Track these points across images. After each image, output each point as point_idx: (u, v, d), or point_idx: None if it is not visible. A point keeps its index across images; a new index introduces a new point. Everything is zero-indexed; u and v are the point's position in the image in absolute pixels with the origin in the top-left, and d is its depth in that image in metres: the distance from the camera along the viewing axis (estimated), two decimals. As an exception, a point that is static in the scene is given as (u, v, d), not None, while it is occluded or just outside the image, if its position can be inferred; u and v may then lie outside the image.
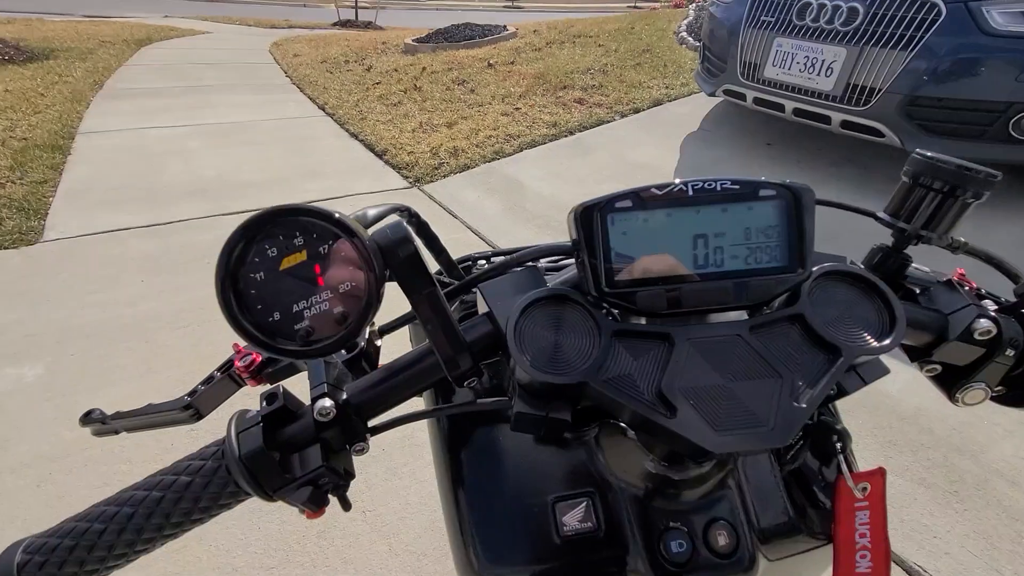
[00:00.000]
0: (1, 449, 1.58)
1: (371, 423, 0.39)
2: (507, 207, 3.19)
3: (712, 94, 3.49)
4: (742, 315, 0.37)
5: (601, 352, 0.33)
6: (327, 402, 0.36)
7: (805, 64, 2.79)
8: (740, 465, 0.46)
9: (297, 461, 0.38)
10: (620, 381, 0.33)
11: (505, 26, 7.73)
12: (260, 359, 0.48)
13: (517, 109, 4.60)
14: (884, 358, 0.36)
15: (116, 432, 0.50)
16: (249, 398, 0.43)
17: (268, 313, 0.32)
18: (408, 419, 0.42)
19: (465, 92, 5.20)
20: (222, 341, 2.18)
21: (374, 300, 0.33)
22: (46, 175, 3.36)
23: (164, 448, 1.58)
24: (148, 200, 3.17)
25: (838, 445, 0.42)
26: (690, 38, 5.83)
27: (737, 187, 0.34)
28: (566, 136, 4.11)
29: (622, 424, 0.40)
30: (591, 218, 0.35)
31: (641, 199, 0.34)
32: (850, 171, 3.18)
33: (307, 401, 0.39)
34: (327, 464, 0.37)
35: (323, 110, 5.20)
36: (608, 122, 4.28)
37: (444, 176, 3.64)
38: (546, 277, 0.42)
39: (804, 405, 0.31)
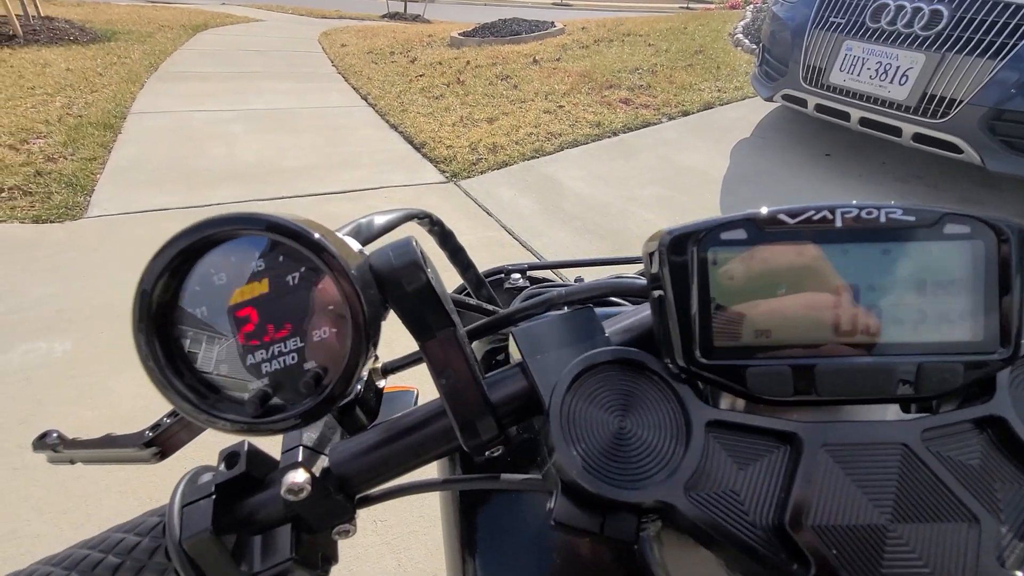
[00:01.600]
0: (23, 424, 1.58)
1: (360, 495, 0.30)
2: (544, 207, 3.08)
3: (769, 99, 3.28)
4: (890, 411, 0.26)
5: (690, 455, 0.23)
6: (300, 476, 0.27)
7: (877, 70, 2.57)
8: None
9: (258, 546, 0.28)
10: (720, 503, 0.22)
11: (553, 22, 7.59)
12: None
13: (560, 107, 4.47)
14: None
15: (72, 462, 0.42)
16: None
17: (212, 366, 0.23)
18: (408, 491, 0.32)
19: (508, 88, 5.10)
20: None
21: (362, 352, 0.23)
22: (96, 152, 3.45)
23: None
24: (188, 182, 3.20)
25: None
26: (746, 40, 5.56)
27: (911, 218, 0.23)
28: (610, 137, 3.96)
29: None
30: (684, 252, 0.24)
31: (760, 228, 0.23)
32: (919, 189, 2.93)
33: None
34: (296, 556, 0.28)
35: (365, 100, 5.20)
36: (655, 124, 4.11)
37: (482, 172, 3.56)
38: (602, 316, 0.31)
39: (1020, 574, 0.20)
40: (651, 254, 0.25)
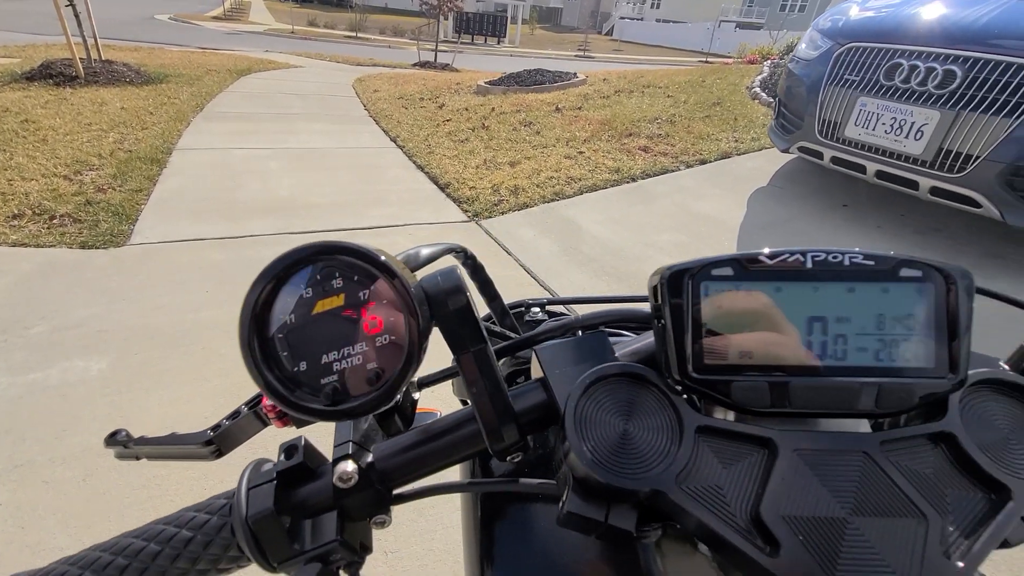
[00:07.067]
0: (57, 439, 1.65)
1: (396, 492, 0.35)
2: (563, 248, 3.16)
3: (786, 150, 3.36)
4: (862, 424, 0.30)
5: (682, 452, 0.27)
6: (350, 466, 0.32)
7: (892, 125, 2.64)
8: None
9: (308, 529, 0.33)
10: (705, 495, 0.26)
11: (575, 73, 7.93)
12: None
13: (581, 153, 4.63)
14: None
15: (137, 458, 0.48)
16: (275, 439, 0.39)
17: (294, 362, 0.29)
18: (437, 491, 0.36)
19: (531, 134, 5.31)
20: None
21: (415, 357, 0.29)
22: (142, 184, 3.67)
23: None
24: (226, 213, 3.37)
25: None
26: (763, 94, 5.73)
27: (871, 263, 0.28)
28: (628, 182, 4.07)
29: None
30: (680, 285, 0.29)
31: (744, 267, 0.28)
32: (939, 241, 2.93)
33: (330, 457, 0.35)
34: (341, 539, 0.32)
35: (395, 142, 5.45)
36: (673, 171, 4.22)
37: (503, 213, 3.68)
38: (613, 343, 0.36)
39: (962, 565, 0.23)
40: (654, 286, 0.31)
